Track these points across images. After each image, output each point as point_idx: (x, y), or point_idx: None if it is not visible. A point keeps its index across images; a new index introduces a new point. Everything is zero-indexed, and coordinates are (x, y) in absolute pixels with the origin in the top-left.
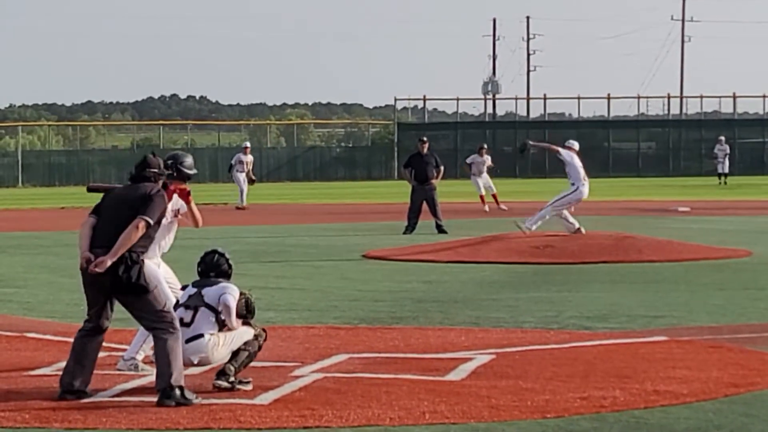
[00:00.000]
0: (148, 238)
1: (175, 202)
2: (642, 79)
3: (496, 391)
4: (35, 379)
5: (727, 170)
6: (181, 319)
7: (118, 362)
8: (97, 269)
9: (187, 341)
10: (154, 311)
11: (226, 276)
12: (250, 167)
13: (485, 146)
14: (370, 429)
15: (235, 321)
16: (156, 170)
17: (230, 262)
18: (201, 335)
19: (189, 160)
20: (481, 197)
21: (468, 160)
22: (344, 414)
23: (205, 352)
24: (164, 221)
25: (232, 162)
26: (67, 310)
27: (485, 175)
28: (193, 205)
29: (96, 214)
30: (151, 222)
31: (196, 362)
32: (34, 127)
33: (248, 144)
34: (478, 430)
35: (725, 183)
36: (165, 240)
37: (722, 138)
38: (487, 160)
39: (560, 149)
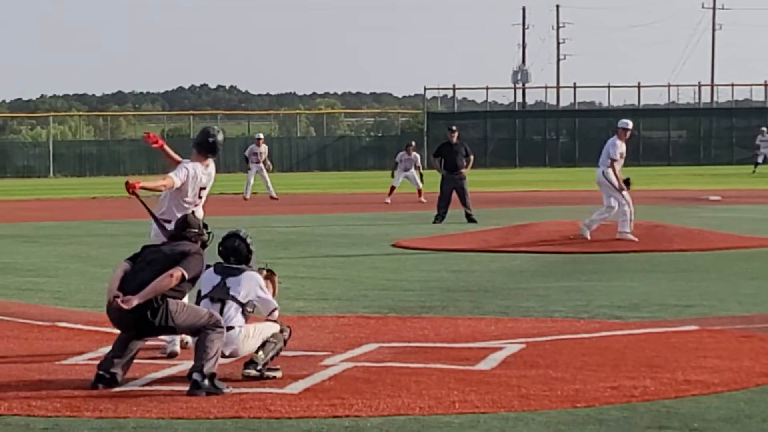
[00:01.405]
0: (180, 292)
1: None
2: (672, 68)
3: (526, 380)
4: (66, 368)
5: None
6: None
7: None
8: (123, 305)
9: None
10: (194, 330)
11: (246, 260)
12: (264, 157)
13: (413, 144)
14: (400, 418)
15: (271, 296)
16: (196, 230)
17: (250, 246)
18: (231, 327)
19: (220, 138)
20: (392, 188)
21: (396, 158)
22: (374, 403)
23: (236, 344)
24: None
25: (246, 154)
26: (99, 300)
27: (412, 171)
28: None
29: (132, 261)
30: (187, 276)
31: (227, 353)
32: (66, 117)
33: (261, 135)
34: (508, 419)
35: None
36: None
37: (765, 128)
38: (416, 159)
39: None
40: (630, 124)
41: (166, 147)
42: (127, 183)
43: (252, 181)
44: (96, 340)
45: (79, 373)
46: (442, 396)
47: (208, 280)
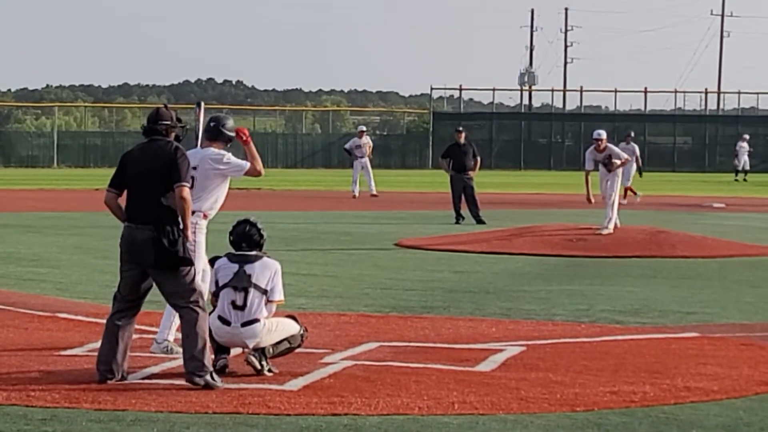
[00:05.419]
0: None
1: (217, 161)
2: (680, 74)
3: (526, 383)
4: (66, 359)
5: None
6: (233, 302)
7: (151, 345)
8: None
9: (243, 325)
10: (187, 287)
11: (258, 246)
12: (368, 150)
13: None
14: (399, 418)
15: (281, 287)
16: (169, 122)
17: (262, 231)
18: (257, 320)
19: (230, 122)
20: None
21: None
22: (373, 402)
23: (259, 337)
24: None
25: (347, 147)
26: (100, 291)
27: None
28: (251, 147)
29: (117, 189)
30: (188, 185)
31: (250, 346)
32: (71, 108)
33: (363, 127)
34: (507, 421)
35: None
36: (216, 201)
37: (747, 136)
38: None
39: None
40: (595, 134)
41: (251, 144)
42: (241, 130)
43: (357, 177)
44: (96, 332)
45: (78, 364)
46: (441, 396)
47: (226, 269)
